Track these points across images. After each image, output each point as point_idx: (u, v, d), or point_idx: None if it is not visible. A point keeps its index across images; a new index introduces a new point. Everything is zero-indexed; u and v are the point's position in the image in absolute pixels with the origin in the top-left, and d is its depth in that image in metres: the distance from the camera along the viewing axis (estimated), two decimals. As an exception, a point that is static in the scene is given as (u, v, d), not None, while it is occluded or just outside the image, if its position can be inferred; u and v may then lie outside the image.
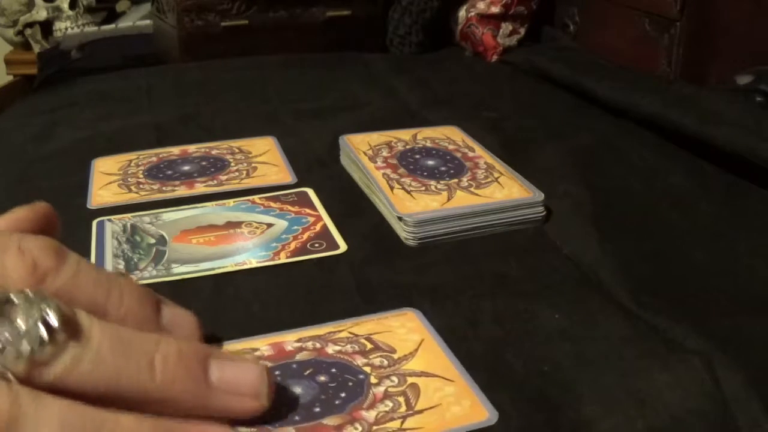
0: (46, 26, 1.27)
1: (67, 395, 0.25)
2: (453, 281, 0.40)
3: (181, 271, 0.41)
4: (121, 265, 0.41)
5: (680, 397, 0.31)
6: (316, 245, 0.44)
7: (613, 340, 0.35)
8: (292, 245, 0.44)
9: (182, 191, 0.51)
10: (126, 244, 0.44)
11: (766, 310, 0.38)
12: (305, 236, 0.45)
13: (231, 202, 0.49)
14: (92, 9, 1.26)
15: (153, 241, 0.44)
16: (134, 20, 1.12)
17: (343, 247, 0.44)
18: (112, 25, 1.13)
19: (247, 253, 0.43)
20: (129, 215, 0.47)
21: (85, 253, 0.42)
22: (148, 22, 1.03)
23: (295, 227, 0.46)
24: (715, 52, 0.68)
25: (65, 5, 1.24)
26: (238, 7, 0.85)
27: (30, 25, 1.28)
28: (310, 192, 0.50)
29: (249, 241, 0.44)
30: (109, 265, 0.41)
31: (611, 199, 0.49)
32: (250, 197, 0.49)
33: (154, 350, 0.26)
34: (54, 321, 0.25)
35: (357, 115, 0.66)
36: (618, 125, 0.62)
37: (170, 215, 0.47)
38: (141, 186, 0.51)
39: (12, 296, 0.25)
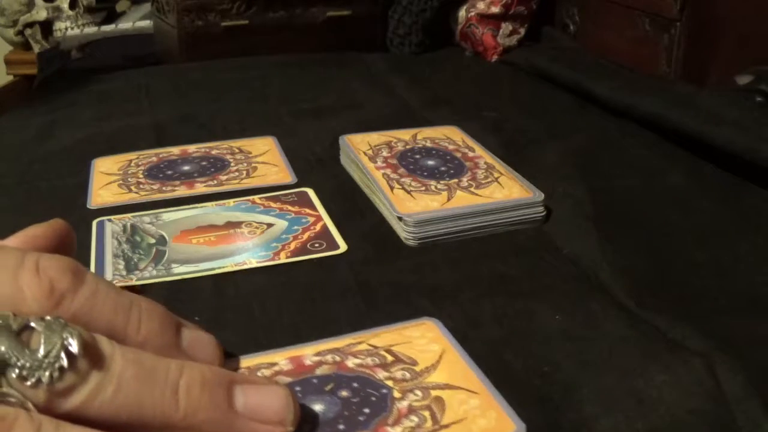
0: (46, 26, 1.27)
1: (88, 424, 0.24)
2: (453, 281, 0.40)
3: (181, 271, 0.41)
4: (121, 265, 0.41)
5: (680, 397, 0.31)
6: (316, 245, 0.44)
7: (613, 340, 0.35)
8: (292, 245, 0.44)
9: (182, 191, 0.51)
10: (126, 244, 0.44)
11: (766, 310, 0.38)
12: (305, 236, 0.45)
13: (231, 202, 0.49)
14: (92, 9, 1.26)
15: (153, 241, 0.44)
16: (134, 20, 1.12)
17: (343, 247, 0.44)
18: (112, 25, 1.13)
19: (247, 253, 0.43)
20: (129, 215, 0.47)
21: (86, 253, 0.42)
22: (148, 22, 1.03)
23: (295, 227, 0.46)
24: (715, 52, 0.68)
25: (65, 5, 1.24)
26: (238, 7, 0.85)
27: (30, 25, 1.27)
28: (310, 192, 0.50)
29: (249, 241, 0.44)
30: (109, 265, 0.41)
31: (611, 199, 0.49)
32: (250, 197, 0.49)
33: (177, 377, 0.26)
34: (75, 348, 0.24)
35: (357, 115, 0.66)
36: (618, 125, 0.62)
37: (170, 215, 0.47)
38: (141, 186, 0.51)
39: (32, 322, 0.24)
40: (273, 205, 0.49)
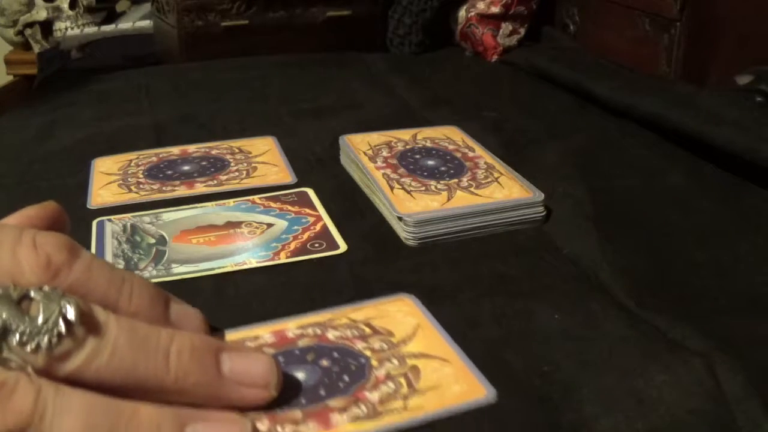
0: (46, 26, 1.27)
1: (85, 387, 0.25)
2: (453, 281, 0.40)
3: (181, 271, 0.41)
4: (121, 265, 0.41)
5: (680, 397, 0.31)
6: (316, 245, 0.44)
7: (613, 340, 0.35)
8: (292, 245, 0.44)
9: (182, 191, 0.51)
10: (126, 244, 0.44)
11: (766, 310, 0.38)
12: (305, 236, 0.45)
13: (231, 202, 0.49)
14: (92, 9, 1.26)
15: (153, 241, 0.44)
16: (134, 20, 1.12)
17: (343, 247, 0.43)
18: (112, 25, 1.13)
19: (246, 253, 0.43)
20: (129, 215, 0.47)
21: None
22: (148, 22, 1.03)
23: (295, 227, 0.46)
24: (715, 52, 0.68)
25: (65, 5, 1.24)
26: (238, 7, 0.85)
27: (30, 25, 1.27)
28: (310, 192, 0.50)
29: (249, 241, 0.44)
30: None
31: (611, 199, 0.49)
32: (250, 197, 0.49)
33: (168, 344, 0.27)
34: (72, 316, 0.25)
35: (357, 115, 0.66)
36: (618, 125, 0.62)
37: (170, 215, 0.47)
38: (141, 186, 0.51)
39: (31, 292, 0.26)
40: (273, 205, 0.49)
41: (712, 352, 0.33)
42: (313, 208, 0.48)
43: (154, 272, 0.41)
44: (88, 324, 0.26)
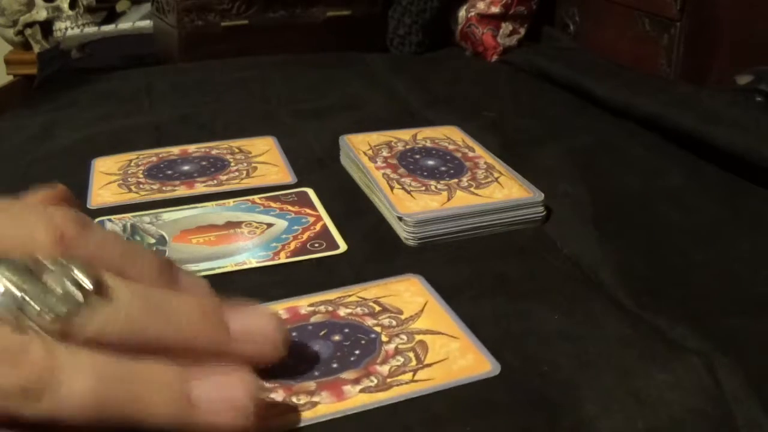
0: (46, 26, 1.27)
1: (99, 350, 0.26)
2: (453, 281, 0.40)
3: None
4: None
5: (680, 397, 0.31)
6: (316, 245, 0.44)
7: (613, 340, 0.35)
8: (292, 245, 0.44)
9: (182, 191, 0.51)
10: None
11: (766, 310, 0.38)
12: (305, 236, 0.45)
13: (231, 202, 0.49)
14: (92, 9, 1.26)
15: (153, 241, 0.44)
16: (134, 20, 1.12)
17: (342, 247, 0.44)
18: (112, 25, 1.13)
19: (246, 253, 0.43)
20: (129, 215, 0.47)
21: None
22: (148, 22, 1.03)
23: (295, 227, 0.46)
24: (715, 52, 0.68)
25: (65, 5, 1.24)
26: (238, 7, 0.85)
27: (30, 25, 1.27)
28: (310, 192, 0.50)
29: (249, 241, 0.44)
30: None
31: (611, 199, 0.49)
32: (250, 197, 0.49)
33: (178, 307, 0.28)
34: (87, 283, 0.27)
35: (357, 115, 0.66)
36: (618, 125, 0.62)
37: (170, 215, 0.47)
38: (141, 186, 0.51)
39: (46, 263, 0.27)
40: (273, 205, 0.49)
41: (712, 352, 0.33)
42: (313, 208, 0.48)
43: None
44: (102, 291, 0.27)
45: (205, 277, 0.40)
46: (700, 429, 0.30)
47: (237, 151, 0.57)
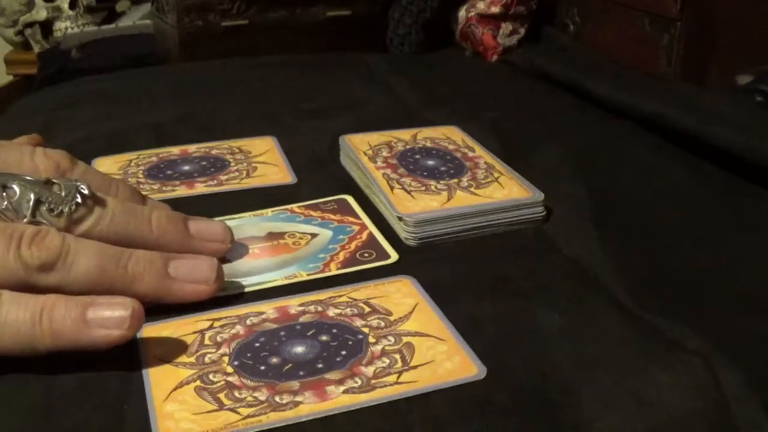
0: (46, 26, 1.27)
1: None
2: (453, 281, 0.40)
3: (226, 285, 0.39)
4: None
5: (680, 397, 0.31)
6: (366, 255, 0.43)
7: (613, 340, 0.35)
8: (341, 255, 0.42)
9: (182, 191, 0.51)
10: None
11: (766, 310, 0.38)
12: (353, 246, 0.43)
13: (269, 211, 0.48)
14: (92, 9, 1.26)
15: None
16: (134, 20, 1.12)
17: (394, 256, 0.42)
18: (112, 25, 1.13)
19: (295, 266, 0.42)
20: None
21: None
22: (148, 22, 1.03)
23: (341, 236, 0.44)
24: (715, 52, 0.68)
25: (65, 5, 1.24)
26: (238, 7, 0.85)
27: (30, 25, 1.28)
28: (350, 199, 0.49)
29: (294, 253, 0.43)
30: None
31: (611, 199, 0.49)
32: (289, 206, 0.48)
33: (150, 213, 0.39)
34: (86, 191, 0.37)
35: (357, 115, 0.66)
36: (618, 125, 0.62)
37: None
38: (141, 186, 0.51)
39: (52, 178, 0.37)
40: (313, 214, 0.47)
41: (712, 352, 0.33)
42: (356, 216, 0.47)
43: None
44: (95, 199, 0.37)
45: (256, 292, 0.39)
46: (700, 429, 0.30)
47: (237, 151, 0.57)
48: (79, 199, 0.36)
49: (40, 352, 0.32)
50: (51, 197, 0.36)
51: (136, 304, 0.32)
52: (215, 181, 0.52)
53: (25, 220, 0.35)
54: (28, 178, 0.36)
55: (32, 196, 0.36)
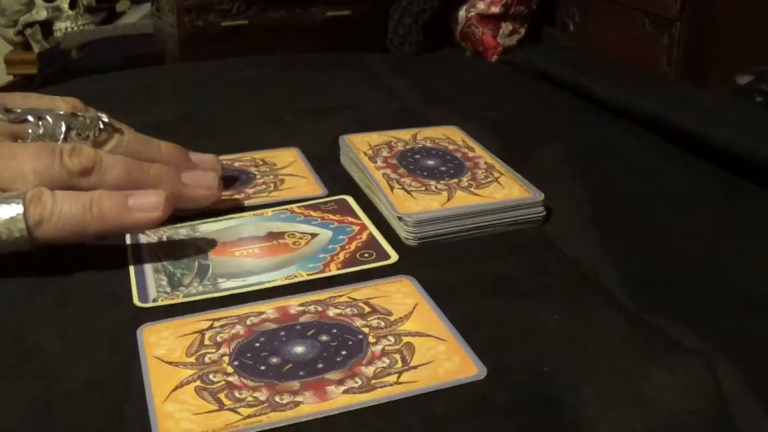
0: (46, 26, 1.27)
1: None
2: (453, 281, 0.40)
3: (229, 286, 0.40)
4: (164, 281, 0.40)
5: (680, 397, 0.31)
6: (366, 255, 0.43)
7: (613, 340, 0.35)
8: (341, 256, 0.43)
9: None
10: (166, 259, 0.42)
11: (766, 310, 0.38)
12: (353, 246, 0.44)
13: (269, 211, 0.48)
14: (92, 9, 1.26)
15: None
16: (134, 20, 1.12)
17: (394, 257, 0.42)
18: (112, 25, 1.13)
19: (295, 266, 0.42)
20: (164, 228, 0.45)
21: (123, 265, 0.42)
22: (148, 22, 1.03)
23: (341, 237, 0.45)
24: (715, 52, 0.68)
25: (65, 5, 1.24)
26: (238, 7, 0.85)
27: (30, 25, 1.27)
28: (350, 199, 0.49)
29: (295, 253, 0.43)
30: (151, 281, 0.40)
31: (611, 199, 0.49)
32: (289, 206, 0.48)
33: (158, 143, 0.48)
34: (106, 120, 0.46)
35: (357, 115, 0.66)
36: (618, 125, 0.62)
37: (208, 227, 0.46)
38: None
39: (77, 112, 0.46)
40: (313, 214, 0.47)
41: (712, 352, 0.33)
42: (355, 216, 0.47)
43: (201, 288, 0.40)
44: (113, 127, 0.46)
45: (256, 292, 0.39)
46: (700, 429, 0.30)
47: (261, 163, 0.55)
48: (101, 125, 0.45)
49: (90, 238, 0.40)
50: (78, 125, 0.44)
51: (167, 193, 0.40)
52: (242, 195, 0.50)
53: (59, 143, 0.43)
54: (59, 112, 0.45)
55: (63, 124, 0.44)
